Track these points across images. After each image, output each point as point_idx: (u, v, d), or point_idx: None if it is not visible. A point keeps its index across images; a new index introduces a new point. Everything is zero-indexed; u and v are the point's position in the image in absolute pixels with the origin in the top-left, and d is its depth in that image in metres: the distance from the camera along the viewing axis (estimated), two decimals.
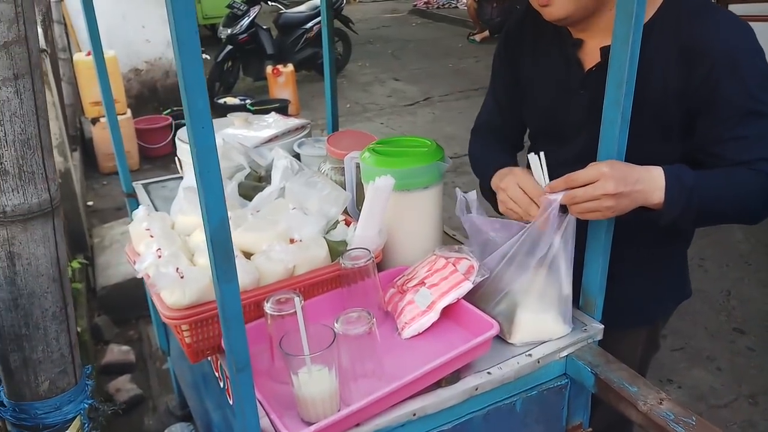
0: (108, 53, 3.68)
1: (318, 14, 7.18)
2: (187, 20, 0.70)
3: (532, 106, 1.41)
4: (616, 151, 1.11)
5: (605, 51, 1.22)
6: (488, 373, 1.11)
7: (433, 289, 1.19)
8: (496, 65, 1.48)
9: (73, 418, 0.74)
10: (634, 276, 1.34)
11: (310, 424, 0.97)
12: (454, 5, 12.66)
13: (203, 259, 1.19)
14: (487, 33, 9.52)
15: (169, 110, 5.65)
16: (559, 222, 1.12)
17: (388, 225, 1.29)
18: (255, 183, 1.63)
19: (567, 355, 1.19)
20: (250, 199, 1.48)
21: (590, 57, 1.27)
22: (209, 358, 1.29)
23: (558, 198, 1.10)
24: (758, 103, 1.12)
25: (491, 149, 1.45)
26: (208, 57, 6.55)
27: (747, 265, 3.42)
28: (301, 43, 7.21)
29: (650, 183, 1.09)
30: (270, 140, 1.76)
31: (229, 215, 1.21)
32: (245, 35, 6.61)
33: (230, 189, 1.47)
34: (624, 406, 1.09)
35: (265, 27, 6.88)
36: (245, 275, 1.14)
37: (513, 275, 1.18)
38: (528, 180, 1.18)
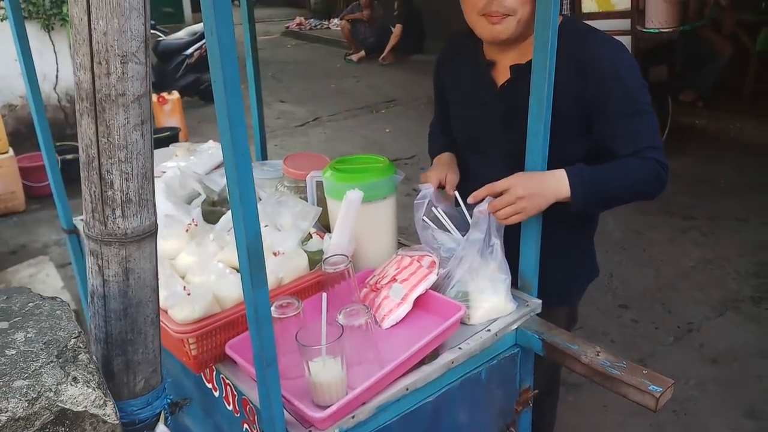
0: None
1: (198, 39, 7.17)
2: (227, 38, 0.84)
3: (456, 120, 1.66)
4: (541, 156, 1.37)
5: (514, 68, 1.49)
6: (459, 348, 1.32)
7: (404, 284, 1.38)
8: (434, 83, 1.75)
9: (160, 412, 0.85)
10: (554, 261, 1.59)
11: (323, 407, 1.12)
12: (326, 26, 13.00)
13: (198, 278, 1.31)
14: (363, 53, 9.90)
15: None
16: (489, 222, 1.37)
17: (355, 233, 1.47)
18: (210, 207, 1.74)
19: (517, 328, 1.43)
20: (210, 222, 1.59)
21: (502, 74, 1.53)
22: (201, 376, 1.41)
23: (484, 208, 1.37)
24: (639, 103, 1.42)
25: (438, 142, 1.72)
26: None
27: (622, 249, 3.92)
28: (182, 70, 7.15)
29: (555, 182, 1.36)
30: (218, 167, 1.87)
31: (210, 237, 1.35)
32: None
33: (196, 214, 1.57)
34: (569, 362, 1.34)
35: None
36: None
37: (460, 267, 1.41)
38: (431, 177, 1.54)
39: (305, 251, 1.42)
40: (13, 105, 5.54)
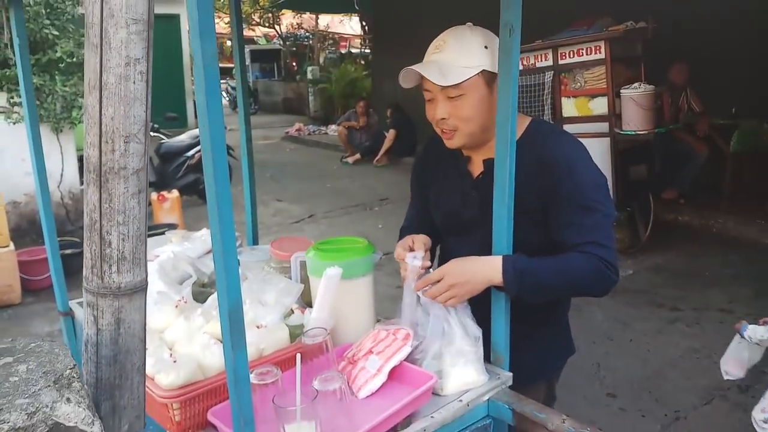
0: None
1: (199, 142, 7.50)
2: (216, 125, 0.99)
3: (438, 210, 1.79)
4: (506, 238, 1.50)
5: (487, 162, 1.64)
6: (432, 416, 1.38)
7: (380, 355, 1.46)
8: (412, 181, 1.89)
9: None
10: (529, 339, 1.68)
11: None
12: (324, 132, 13.58)
13: (184, 349, 1.39)
14: (358, 155, 10.32)
15: None
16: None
17: (334, 308, 1.57)
18: (200, 288, 1.84)
19: (488, 399, 1.49)
20: (199, 302, 1.69)
21: (477, 167, 1.69)
22: None
23: (421, 295, 1.53)
24: (589, 200, 1.52)
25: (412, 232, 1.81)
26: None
27: (609, 340, 3.97)
28: (183, 170, 7.43)
29: (489, 269, 1.48)
30: (209, 251, 1.99)
31: (198, 312, 1.45)
32: None
33: (186, 293, 1.67)
34: (537, 429, 1.40)
35: None
36: None
37: (431, 341, 1.50)
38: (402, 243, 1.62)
39: (287, 325, 1.52)
40: (17, 202, 5.74)
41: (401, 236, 1.86)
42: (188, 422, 1.33)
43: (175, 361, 1.30)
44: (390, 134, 10.04)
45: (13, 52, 5.39)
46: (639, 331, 4.09)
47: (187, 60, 14.35)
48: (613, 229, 1.55)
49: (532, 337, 1.69)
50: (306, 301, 1.69)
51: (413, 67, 1.55)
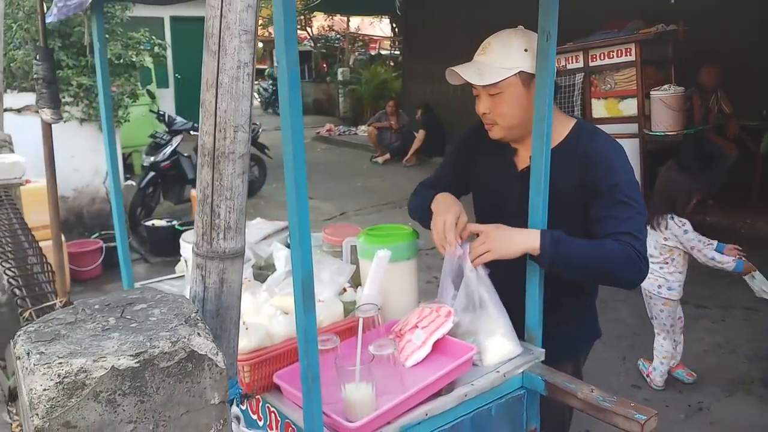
0: (40, 182, 3.99)
1: None
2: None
3: (480, 193, 1.95)
4: (541, 220, 1.65)
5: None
6: (472, 384, 1.54)
7: (425, 330, 1.62)
8: (454, 151, 2.05)
9: (233, 399, 1.09)
10: (560, 322, 1.82)
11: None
12: (354, 132, 13.78)
13: (253, 319, 1.56)
14: (388, 156, 10.49)
15: (97, 234, 5.85)
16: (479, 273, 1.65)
17: (383, 288, 1.73)
18: (258, 270, 2.02)
19: (523, 372, 1.65)
20: (259, 281, 1.87)
21: (522, 161, 1.83)
22: (247, 406, 1.64)
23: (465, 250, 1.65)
24: (626, 197, 1.66)
25: (430, 194, 1.93)
26: (133, 183, 6.85)
27: (635, 335, 4.07)
28: None
29: (527, 235, 1.62)
30: (265, 238, 2.17)
31: (262, 288, 1.63)
32: (168, 162, 6.99)
33: (249, 273, 1.86)
34: (568, 398, 1.55)
35: (186, 154, 7.32)
36: (293, 326, 1.52)
37: (467, 316, 1.66)
38: (448, 220, 1.70)
39: (341, 301, 1.69)
40: (66, 197, 6.02)
41: (420, 192, 2.01)
42: (256, 383, 1.51)
43: (247, 329, 1.47)
44: (420, 134, 10.18)
45: (65, 55, 5.68)
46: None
47: None
48: (645, 226, 1.69)
49: (562, 319, 1.83)
50: (356, 283, 1.85)
51: (455, 68, 1.72)
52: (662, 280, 3.38)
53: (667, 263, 3.37)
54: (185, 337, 0.80)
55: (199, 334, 0.82)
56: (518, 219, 1.74)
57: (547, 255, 1.60)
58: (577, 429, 3.06)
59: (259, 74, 18.05)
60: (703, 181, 3.27)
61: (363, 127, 13.17)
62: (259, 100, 19.20)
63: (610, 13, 5.90)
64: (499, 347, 1.64)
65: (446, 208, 1.75)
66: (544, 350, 1.71)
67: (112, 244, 5.70)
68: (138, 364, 0.75)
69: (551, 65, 1.56)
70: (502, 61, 1.69)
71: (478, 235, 1.69)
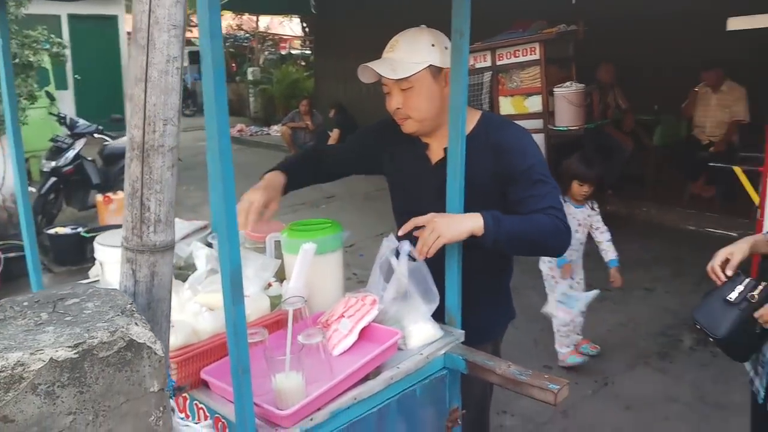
0: None
1: None
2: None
3: (396, 189, 2.02)
4: (458, 211, 1.74)
5: (447, 150, 1.88)
6: (397, 367, 1.61)
7: (351, 318, 1.67)
8: (356, 137, 2.18)
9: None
10: (478, 304, 1.92)
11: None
12: (266, 132, 13.62)
13: (177, 317, 1.56)
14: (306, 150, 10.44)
15: None
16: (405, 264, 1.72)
17: (308, 280, 1.76)
18: (178, 270, 2.01)
19: (444, 353, 1.73)
20: (180, 280, 1.86)
21: (435, 154, 1.92)
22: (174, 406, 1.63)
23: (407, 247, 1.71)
24: (540, 175, 1.79)
25: (299, 159, 2.21)
26: (33, 189, 6.49)
27: (545, 319, 4.29)
28: None
29: (469, 219, 1.69)
30: (184, 237, 2.15)
31: (185, 286, 1.63)
32: (71, 167, 6.68)
33: None
34: (488, 374, 1.65)
35: (90, 158, 7.01)
36: (219, 322, 1.53)
37: (390, 303, 1.73)
38: (257, 201, 1.88)
39: (267, 295, 1.71)
40: None
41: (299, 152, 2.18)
42: (184, 381, 1.50)
43: (172, 326, 1.47)
44: (334, 134, 10.22)
45: None
46: None
47: (125, 61, 14.09)
48: (561, 200, 1.83)
49: (480, 302, 1.93)
50: (281, 278, 1.88)
51: (368, 63, 1.78)
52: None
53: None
54: (123, 327, 0.81)
55: (136, 323, 0.84)
56: (436, 210, 1.82)
57: (491, 233, 1.68)
58: (494, 410, 3.23)
59: None
60: (589, 170, 3.59)
61: (276, 127, 13.05)
62: None
63: (516, 13, 6.16)
64: (422, 331, 1.71)
65: (265, 186, 1.94)
66: (463, 332, 1.80)
67: (10, 255, 5.40)
68: (77, 355, 0.76)
69: (464, 61, 1.65)
70: (411, 56, 1.77)
71: (423, 226, 1.72)
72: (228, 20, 20.28)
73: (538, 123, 5.69)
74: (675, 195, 6.66)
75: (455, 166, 1.71)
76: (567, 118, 5.55)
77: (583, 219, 3.61)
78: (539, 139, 5.69)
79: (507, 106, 5.90)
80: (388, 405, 1.59)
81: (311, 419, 1.41)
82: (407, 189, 1.99)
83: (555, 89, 5.56)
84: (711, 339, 1.81)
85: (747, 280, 1.77)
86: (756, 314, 1.70)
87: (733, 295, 1.75)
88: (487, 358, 1.69)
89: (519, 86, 5.75)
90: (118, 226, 3.52)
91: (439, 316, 1.81)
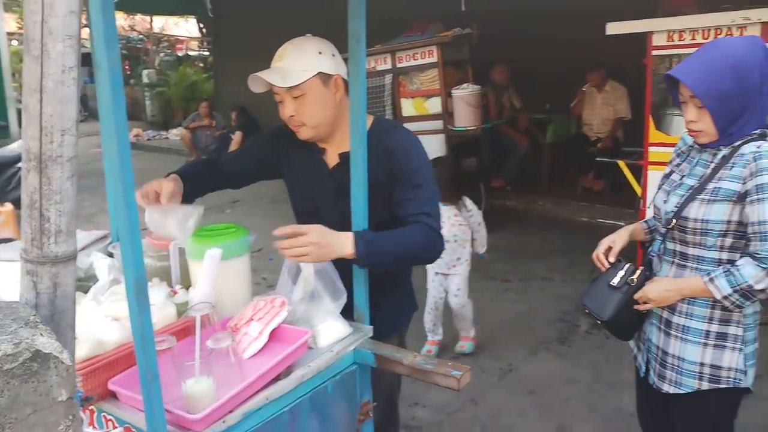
0: None
1: None
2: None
3: (297, 194, 2.06)
4: (362, 215, 1.80)
5: (342, 155, 1.93)
6: (308, 366, 1.65)
7: (260, 321, 1.70)
8: (256, 141, 2.20)
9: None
10: (383, 300, 1.99)
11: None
12: (164, 137, 13.19)
13: (81, 329, 1.52)
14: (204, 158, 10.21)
15: None
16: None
17: (216, 286, 1.77)
18: (78, 282, 1.95)
19: (354, 348, 1.79)
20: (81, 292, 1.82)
21: (332, 159, 1.97)
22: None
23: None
24: (422, 180, 1.87)
25: (197, 167, 2.19)
26: None
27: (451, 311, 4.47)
28: (15, 182, 6.97)
29: (342, 242, 1.73)
30: (83, 248, 2.09)
31: (88, 297, 1.60)
32: None
33: None
34: (395, 366, 1.72)
35: None
36: (124, 332, 1.51)
37: (299, 303, 1.77)
38: (162, 182, 1.87)
39: (174, 303, 1.70)
40: None
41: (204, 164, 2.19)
42: (92, 392, 1.48)
43: (75, 338, 1.44)
44: (236, 137, 10.05)
45: None
46: (475, 301, 4.62)
47: (6, 65, 13.15)
48: (438, 205, 1.90)
49: (385, 298, 2.00)
50: (186, 285, 1.86)
51: (258, 73, 1.82)
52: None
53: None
54: (28, 338, 0.81)
55: (41, 334, 0.83)
56: (334, 216, 1.88)
57: (362, 257, 1.74)
58: (406, 402, 3.34)
59: None
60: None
61: (174, 131, 12.68)
62: None
63: (414, 16, 6.31)
64: (332, 329, 1.76)
65: (160, 180, 1.93)
66: (371, 327, 1.86)
67: None
68: None
69: (362, 65, 1.71)
70: (300, 64, 1.81)
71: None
72: (119, 20, 19.44)
73: (438, 124, 5.87)
74: (568, 189, 7.07)
75: (358, 169, 1.77)
76: (465, 118, 5.76)
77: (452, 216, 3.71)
78: (440, 139, 5.88)
79: (409, 107, 6.04)
80: (300, 403, 1.62)
81: (223, 422, 1.42)
82: (306, 193, 2.04)
83: (453, 91, 5.75)
84: (598, 321, 1.97)
85: (627, 265, 1.95)
86: (636, 296, 1.87)
87: (615, 280, 1.92)
88: (394, 350, 1.76)
89: (419, 88, 5.90)
90: (7, 240, 3.32)
91: (347, 312, 1.87)
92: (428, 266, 3.75)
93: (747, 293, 1.65)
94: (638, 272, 1.91)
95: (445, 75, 5.71)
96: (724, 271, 1.70)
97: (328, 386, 1.71)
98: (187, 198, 2.01)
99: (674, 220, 1.80)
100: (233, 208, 7.63)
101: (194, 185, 2.07)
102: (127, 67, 18.61)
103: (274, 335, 1.69)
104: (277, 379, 1.58)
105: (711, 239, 1.76)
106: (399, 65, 5.90)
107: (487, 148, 6.88)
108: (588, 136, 6.94)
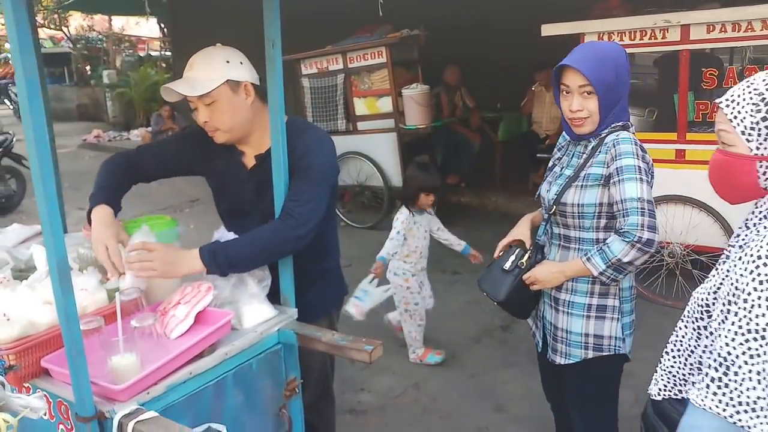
0: None
1: None
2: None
3: (219, 193, 2.18)
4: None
5: (258, 157, 2.07)
6: (232, 344, 1.78)
7: (186, 305, 1.82)
8: (175, 141, 2.25)
9: None
10: (310, 285, 2.12)
11: None
12: (126, 138, 13.11)
13: (15, 312, 1.63)
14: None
15: None
16: None
17: None
18: (18, 272, 2.05)
19: (278, 329, 1.92)
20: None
21: (249, 160, 2.10)
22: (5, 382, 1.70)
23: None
24: (308, 176, 1.93)
25: (117, 177, 2.13)
26: None
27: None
28: None
29: (189, 259, 1.83)
30: (24, 241, 2.19)
31: (22, 284, 1.72)
32: None
33: (7, 273, 1.89)
34: (315, 343, 1.86)
35: None
36: (55, 314, 1.63)
37: (223, 287, 1.90)
38: (111, 246, 1.85)
39: (105, 288, 1.82)
40: None
41: (114, 163, 2.19)
42: (25, 371, 1.59)
43: (8, 320, 1.55)
44: None
45: None
46: None
47: None
48: (316, 199, 1.94)
49: (312, 282, 2.14)
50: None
51: (168, 84, 1.94)
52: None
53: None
54: None
55: None
56: (255, 213, 2.02)
57: (213, 267, 1.84)
58: (352, 389, 3.48)
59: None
60: (433, 179, 3.73)
61: (136, 132, 12.62)
62: (12, 108, 17.30)
63: (365, 17, 6.45)
64: (256, 311, 1.90)
65: (105, 229, 1.90)
66: (296, 309, 2.00)
67: None
68: None
69: (278, 69, 1.84)
70: (208, 74, 1.92)
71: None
72: (78, 20, 19.22)
73: (390, 122, 6.03)
74: (520, 185, 7.28)
75: (279, 166, 1.91)
76: (415, 117, 5.92)
77: (426, 224, 3.81)
78: (392, 137, 6.04)
79: (361, 106, 6.19)
80: (225, 378, 1.75)
81: (148, 393, 1.55)
82: (229, 192, 2.15)
83: (403, 90, 5.91)
84: (494, 303, 2.14)
85: (518, 250, 2.11)
86: (524, 277, 2.04)
87: (507, 264, 2.09)
88: (315, 330, 1.91)
89: (370, 88, 6.05)
90: None
91: (276, 297, 2.01)
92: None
93: (619, 267, 1.83)
94: (527, 256, 2.08)
95: (395, 75, 5.87)
96: (598, 250, 1.87)
97: (253, 363, 1.84)
98: (117, 210, 2.05)
99: (555, 206, 2.00)
100: (192, 207, 7.68)
101: (118, 199, 2.10)
102: (87, 67, 18.43)
103: (200, 317, 1.81)
104: (201, 356, 1.71)
105: (588, 221, 1.94)
106: (350, 65, 6.04)
107: (441, 146, 7.06)
108: (537, 133, 7.16)
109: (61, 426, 1.61)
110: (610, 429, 2.17)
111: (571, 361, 2.05)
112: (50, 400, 1.61)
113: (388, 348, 4.09)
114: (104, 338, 1.59)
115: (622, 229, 1.81)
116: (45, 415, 1.64)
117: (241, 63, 1.97)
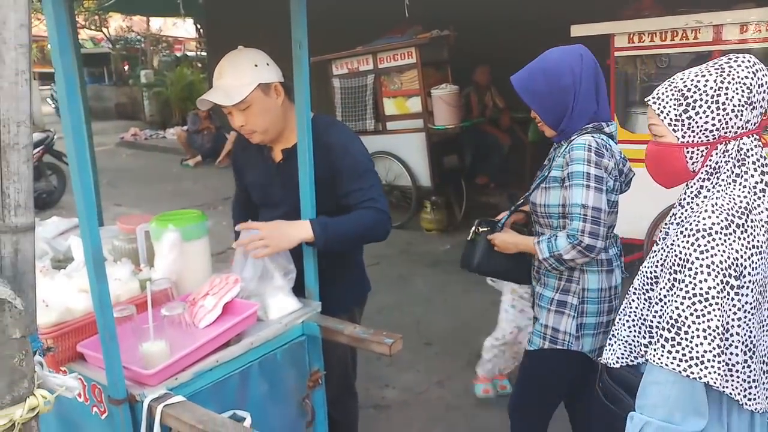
0: None
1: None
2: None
3: (252, 188, 2.27)
4: (310, 205, 2.00)
5: (285, 152, 2.15)
6: (258, 334, 1.84)
7: (215, 296, 1.89)
8: (234, 170, 2.40)
9: (36, 351, 1.27)
10: (333, 279, 2.18)
11: None
12: (162, 136, 13.40)
13: (53, 299, 1.72)
14: (199, 158, 10.42)
15: None
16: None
17: (177, 266, 1.96)
18: (57, 263, 2.15)
19: (302, 321, 1.98)
20: None
21: (277, 155, 2.17)
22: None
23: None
24: (362, 170, 2.06)
25: (237, 213, 2.32)
26: None
27: (427, 301, 4.67)
28: None
29: (299, 228, 1.95)
30: (62, 233, 2.29)
31: (60, 273, 1.81)
32: None
33: (47, 263, 1.99)
34: (338, 336, 1.92)
35: None
36: (89, 302, 1.71)
37: (250, 280, 1.97)
38: None
39: (138, 279, 1.90)
40: None
41: (234, 214, 2.32)
42: (62, 355, 1.68)
43: (47, 306, 1.64)
44: (231, 136, 10.23)
45: None
46: (451, 293, 4.83)
47: None
48: (381, 188, 2.11)
49: (335, 278, 2.20)
50: (151, 264, 2.06)
51: (204, 96, 2.02)
52: None
53: None
54: None
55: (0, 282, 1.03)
56: (284, 206, 2.08)
57: (320, 239, 1.95)
58: (378, 385, 3.53)
59: (52, 78, 16.71)
60: None
61: (172, 131, 12.88)
62: (53, 106, 17.80)
63: (395, 18, 6.49)
64: (282, 304, 1.96)
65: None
66: (320, 302, 2.06)
67: None
68: None
69: (305, 70, 1.90)
70: (240, 80, 1.98)
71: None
72: (118, 21, 19.68)
73: (419, 123, 6.07)
74: None
75: (305, 162, 1.96)
76: (444, 117, 5.95)
77: None
78: (421, 137, 6.07)
79: (390, 106, 6.24)
80: (250, 367, 1.82)
81: (176, 379, 1.62)
82: (260, 186, 2.25)
83: (432, 91, 5.94)
84: (470, 271, 2.24)
85: (477, 221, 2.23)
86: (489, 238, 2.14)
87: (470, 236, 2.22)
88: (338, 323, 1.96)
89: (400, 88, 6.10)
90: None
91: (301, 291, 2.07)
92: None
93: (559, 260, 1.92)
94: (477, 221, 2.22)
95: (424, 75, 5.90)
96: (547, 238, 1.96)
97: (278, 354, 1.90)
98: None
99: (530, 206, 2.11)
100: (225, 205, 7.81)
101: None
102: (126, 67, 18.87)
103: (227, 308, 1.89)
104: (228, 345, 1.77)
105: (554, 221, 2.02)
106: (380, 66, 6.09)
107: (471, 147, 7.07)
108: None
109: (94, 408, 1.69)
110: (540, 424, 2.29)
111: (531, 348, 2.14)
112: (85, 383, 1.70)
113: (414, 346, 4.18)
114: (136, 326, 1.67)
115: (569, 231, 1.89)
116: (80, 397, 1.73)
117: (268, 64, 2.03)
